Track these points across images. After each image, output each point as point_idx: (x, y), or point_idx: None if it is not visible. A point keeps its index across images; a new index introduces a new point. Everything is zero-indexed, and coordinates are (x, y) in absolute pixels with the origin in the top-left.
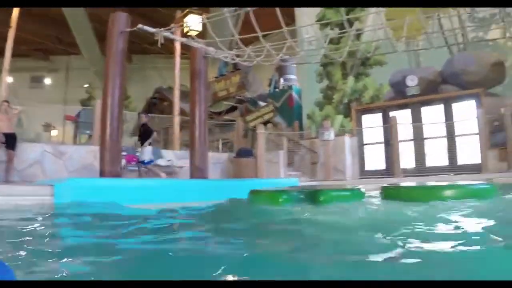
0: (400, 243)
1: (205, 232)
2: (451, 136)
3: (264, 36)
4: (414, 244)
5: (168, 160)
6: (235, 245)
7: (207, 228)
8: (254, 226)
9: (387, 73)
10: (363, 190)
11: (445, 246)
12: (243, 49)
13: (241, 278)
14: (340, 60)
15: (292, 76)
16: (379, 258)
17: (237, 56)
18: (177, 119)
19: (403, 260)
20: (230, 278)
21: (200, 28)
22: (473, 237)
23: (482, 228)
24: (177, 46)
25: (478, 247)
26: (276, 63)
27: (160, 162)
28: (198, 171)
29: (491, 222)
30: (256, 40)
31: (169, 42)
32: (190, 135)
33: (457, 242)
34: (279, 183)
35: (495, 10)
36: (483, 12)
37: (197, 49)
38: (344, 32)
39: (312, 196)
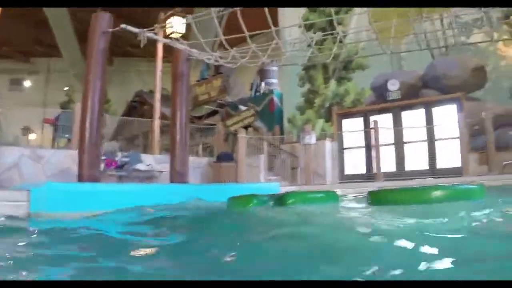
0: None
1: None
2: (431, 140)
3: (249, 37)
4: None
5: (148, 165)
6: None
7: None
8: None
9: (368, 77)
10: (337, 192)
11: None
12: (227, 50)
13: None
14: (328, 61)
15: (274, 80)
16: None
17: (221, 57)
18: (157, 123)
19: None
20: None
21: (183, 30)
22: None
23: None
24: (159, 48)
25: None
26: (259, 67)
27: (140, 166)
28: (178, 176)
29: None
30: (240, 43)
31: (151, 44)
32: (171, 138)
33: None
34: (259, 188)
35: (478, 15)
36: (466, 16)
37: (180, 51)
38: (327, 35)
39: (281, 199)
